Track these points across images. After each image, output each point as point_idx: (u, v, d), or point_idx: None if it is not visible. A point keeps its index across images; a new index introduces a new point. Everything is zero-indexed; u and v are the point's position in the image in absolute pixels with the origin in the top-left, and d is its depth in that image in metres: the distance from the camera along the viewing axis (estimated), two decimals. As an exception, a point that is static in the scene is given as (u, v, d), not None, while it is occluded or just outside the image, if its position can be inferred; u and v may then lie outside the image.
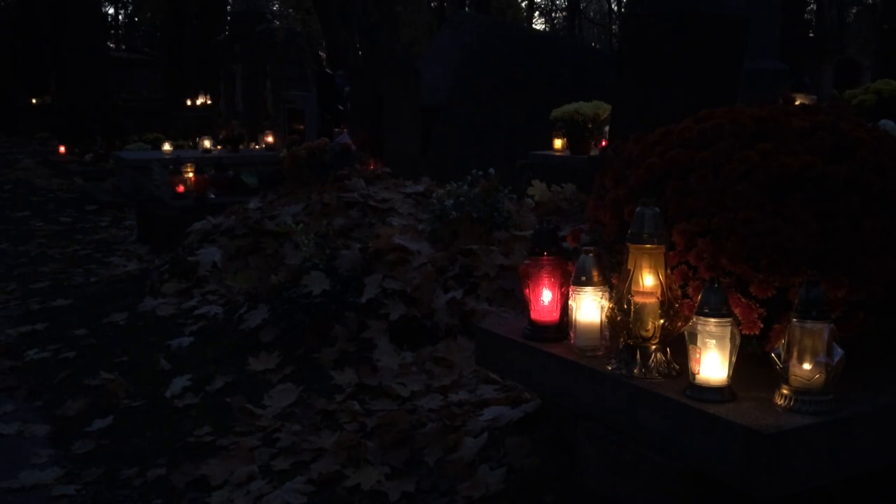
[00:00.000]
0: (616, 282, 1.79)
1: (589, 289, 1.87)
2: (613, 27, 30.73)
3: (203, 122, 13.14)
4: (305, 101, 8.24)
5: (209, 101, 15.13)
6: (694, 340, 1.58)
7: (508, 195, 3.84)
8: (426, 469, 2.18)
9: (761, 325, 1.65)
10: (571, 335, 1.90)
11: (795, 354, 1.52)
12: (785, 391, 1.53)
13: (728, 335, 1.56)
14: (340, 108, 9.69)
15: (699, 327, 1.57)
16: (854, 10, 24.91)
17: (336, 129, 8.21)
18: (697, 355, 1.57)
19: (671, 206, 1.80)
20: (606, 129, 5.89)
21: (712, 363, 1.57)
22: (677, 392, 1.60)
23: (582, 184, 4.13)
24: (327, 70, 12.22)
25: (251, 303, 3.49)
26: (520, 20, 29.26)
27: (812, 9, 19.09)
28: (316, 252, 3.39)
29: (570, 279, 1.90)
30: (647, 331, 1.69)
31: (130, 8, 31.33)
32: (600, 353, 1.85)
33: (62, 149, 11.31)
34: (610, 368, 1.75)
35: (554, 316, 1.98)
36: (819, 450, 1.49)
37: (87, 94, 12.92)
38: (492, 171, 3.76)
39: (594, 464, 1.82)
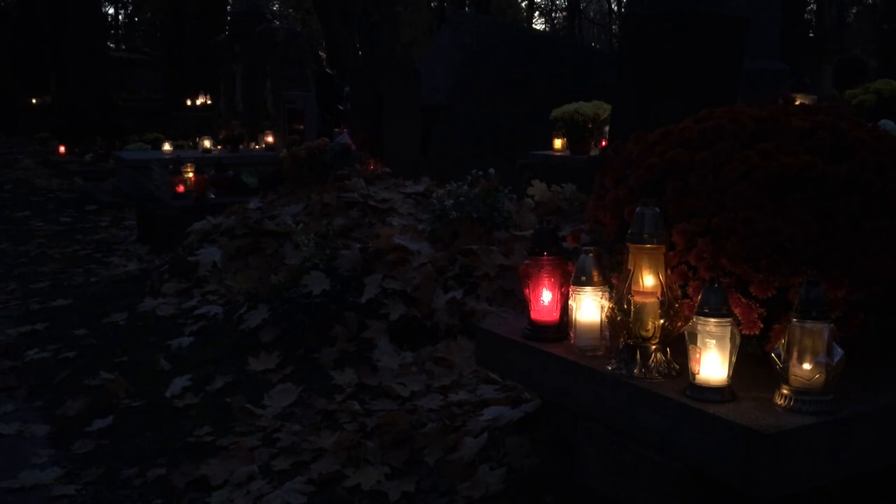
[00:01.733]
0: (616, 282, 1.79)
1: (589, 289, 1.87)
2: (613, 27, 30.72)
3: (203, 122, 13.14)
4: (305, 101, 8.24)
5: (209, 101, 15.13)
6: (694, 340, 1.58)
7: (508, 195, 3.85)
8: (426, 469, 2.18)
9: (761, 325, 1.65)
10: (571, 335, 1.90)
11: (795, 354, 1.52)
12: (785, 391, 1.53)
13: (728, 335, 1.56)
14: (340, 108, 9.69)
15: (699, 327, 1.57)
16: (854, 10, 24.92)
17: (336, 129, 8.21)
18: (697, 355, 1.57)
19: (671, 206, 1.80)
20: (606, 129, 5.89)
21: (712, 363, 1.57)
22: (677, 392, 1.60)
23: (582, 184, 4.13)
24: (327, 70, 12.22)
25: (251, 303, 3.49)
26: (520, 20, 29.25)
27: (812, 9, 19.09)
28: (316, 252, 3.39)
29: (570, 279, 1.90)
30: (647, 331, 1.69)
31: (130, 8, 31.32)
32: (600, 353, 1.85)
33: (62, 149, 11.31)
34: (610, 368, 1.75)
35: (554, 316, 1.98)
36: (819, 450, 1.49)
37: (87, 94, 12.92)
38: (492, 171, 3.76)
39: (594, 464, 1.82)
